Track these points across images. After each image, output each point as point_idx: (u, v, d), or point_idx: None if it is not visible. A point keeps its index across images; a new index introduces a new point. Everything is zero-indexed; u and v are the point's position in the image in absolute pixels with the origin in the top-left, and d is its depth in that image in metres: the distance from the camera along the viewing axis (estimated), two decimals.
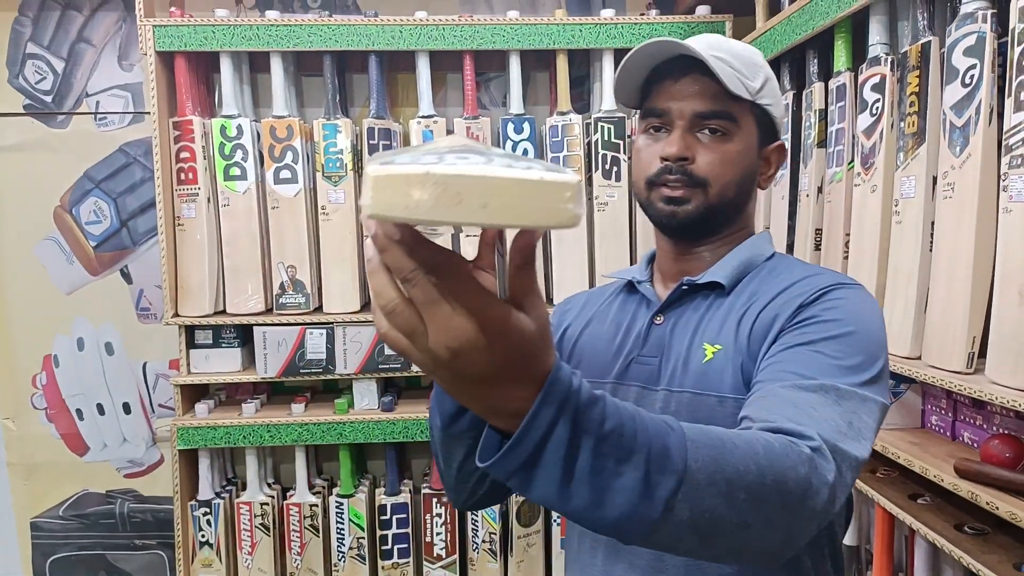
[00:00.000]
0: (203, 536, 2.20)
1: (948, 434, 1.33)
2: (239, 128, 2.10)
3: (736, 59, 0.89)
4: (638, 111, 0.96)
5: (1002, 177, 1.10)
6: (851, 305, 0.82)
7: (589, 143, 2.17)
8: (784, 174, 1.87)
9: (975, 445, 1.25)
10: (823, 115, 1.70)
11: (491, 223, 0.43)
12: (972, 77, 1.16)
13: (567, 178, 0.43)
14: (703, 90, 0.88)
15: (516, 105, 2.18)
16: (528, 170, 0.43)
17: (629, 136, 2.18)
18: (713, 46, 0.89)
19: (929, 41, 1.29)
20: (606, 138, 2.15)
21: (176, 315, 2.13)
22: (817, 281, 0.85)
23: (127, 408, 2.42)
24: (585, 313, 1.00)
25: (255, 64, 2.24)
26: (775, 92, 0.93)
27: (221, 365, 2.18)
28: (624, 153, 2.16)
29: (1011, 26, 1.09)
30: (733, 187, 0.90)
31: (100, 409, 2.42)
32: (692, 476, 0.55)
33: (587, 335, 0.97)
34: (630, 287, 0.98)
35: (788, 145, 1.84)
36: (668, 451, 0.55)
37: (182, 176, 2.10)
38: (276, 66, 2.12)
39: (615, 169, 2.16)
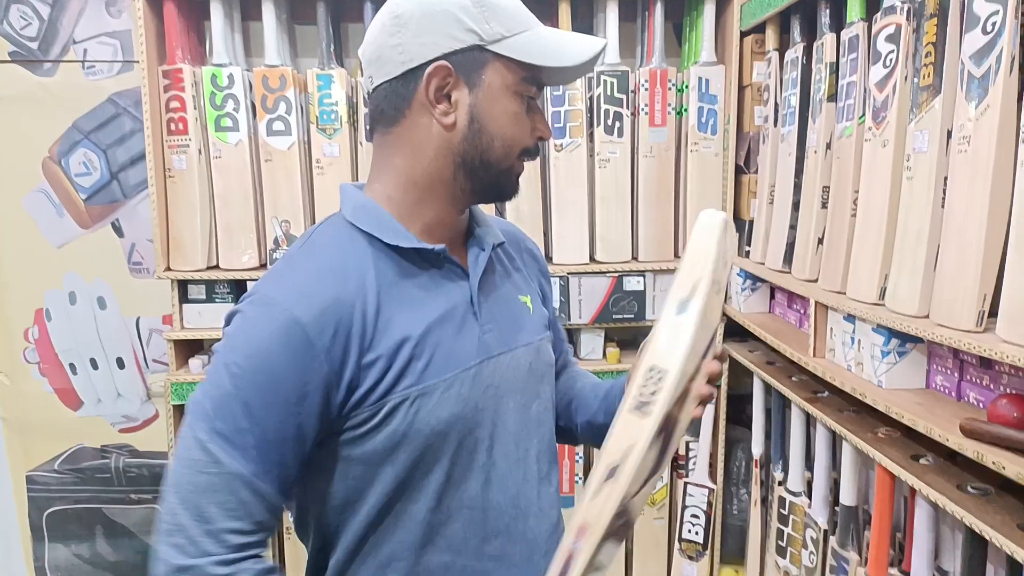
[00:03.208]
0: None
1: (953, 394, 1.30)
2: (230, 77, 2.04)
3: None
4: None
5: (1021, 129, 1.06)
6: None
7: (591, 98, 2.11)
8: (792, 130, 1.82)
9: (981, 405, 1.23)
10: (834, 68, 1.65)
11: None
12: (994, 24, 1.11)
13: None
14: None
15: None
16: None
17: (632, 91, 2.12)
18: None
19: None
20: (609, 92, 2.09)
21: (168, 269, 2.10)
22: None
23: (121, 363, 2.40)
24: (397, 307, 0.83)
25: (246, 11, 2.16)
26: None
27: (215, 320, 2.15)
28: (627, 108, 2.11)
29: None
30: None
31: (93, 364, 2.39)
32: None
33: (433, 331, 0.83)
34: (418, 254, 0.85)
35: (796, 100, 1.79)
36: None
37: (172, 127, 2.05)
38: (268, 13, 2.04)
39: (618, 125, 2.10)
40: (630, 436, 0.71)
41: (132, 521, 2.43)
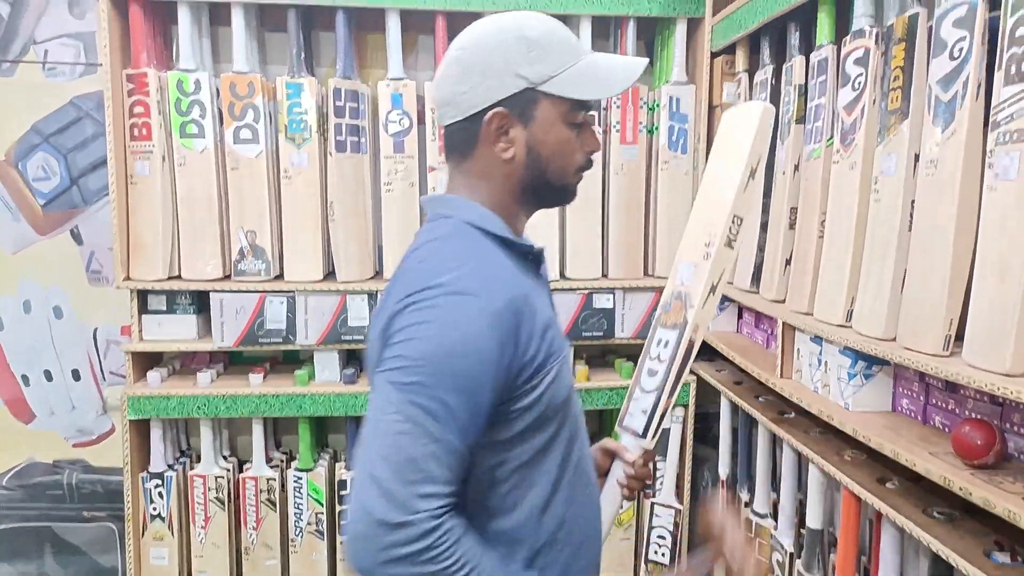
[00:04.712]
0: (154, 509, 2.12)
1: (919, 418, 1.30)
2: (196, 83, 2.00)
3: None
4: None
5: (987, 154, 1.06)
6: None
7: None
8: None
9: (946, 430, 1.23)
10: (803, 90, 1.66)
11: None
12: (961, 50, 1.12)
13: None
14: None
15: None
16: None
17: (604, 108, 2.12)
18: None
19: (917, 13, 1.25)
20: None
21: (128, 278, 2.04)
22: None
23: (76, 375, 2.32)
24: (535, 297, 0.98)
25: (215, 16, 2.13)
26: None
27: (175, 332, 2.09)
28: (599, 125, 2.10)
29: None
30: None
31: (48, 375, 2.31)
32: None
33: (549, 317, 0.98)
34: (526, 254, 1.00)
35: None
36: None
37: (135, 132, 2.00)
38: (237, 18, 2.01)
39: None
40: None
41: (83, 539, 2.35)
